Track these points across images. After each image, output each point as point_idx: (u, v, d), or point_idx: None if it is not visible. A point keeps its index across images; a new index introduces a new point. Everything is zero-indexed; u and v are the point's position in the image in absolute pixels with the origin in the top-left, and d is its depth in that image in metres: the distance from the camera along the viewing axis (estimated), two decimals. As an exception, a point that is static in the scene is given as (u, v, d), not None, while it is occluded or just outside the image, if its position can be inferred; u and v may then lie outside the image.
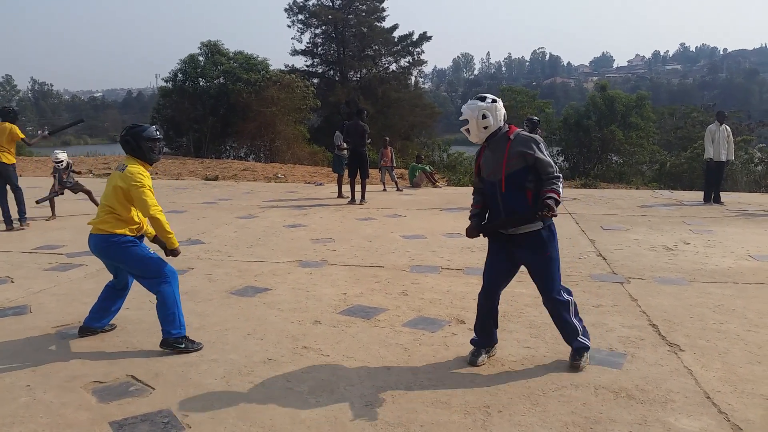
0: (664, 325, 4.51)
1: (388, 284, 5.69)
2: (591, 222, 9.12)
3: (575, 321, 3.78)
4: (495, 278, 3.83)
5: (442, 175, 17.00)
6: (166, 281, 4.02)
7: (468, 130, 3.69)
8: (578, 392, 3.41)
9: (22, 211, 8.73)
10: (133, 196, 3.92)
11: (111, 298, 4.28)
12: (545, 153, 3.64)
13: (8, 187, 8.70)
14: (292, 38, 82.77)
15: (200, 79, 30.66)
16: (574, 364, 3.73)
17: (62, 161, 9.84)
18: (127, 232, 4.00)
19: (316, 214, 10.14)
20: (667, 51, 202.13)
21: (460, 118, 3.72)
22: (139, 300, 5.08)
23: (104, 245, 4.00)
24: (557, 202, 3.49)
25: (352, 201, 11.32)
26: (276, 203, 11.44)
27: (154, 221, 3.95)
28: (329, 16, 40.95)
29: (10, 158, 8.60)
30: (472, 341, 3.98)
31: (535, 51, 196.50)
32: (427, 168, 14.96)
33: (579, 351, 3.78)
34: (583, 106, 35.81)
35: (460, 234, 4.56)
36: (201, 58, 30.88)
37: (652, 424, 3.06)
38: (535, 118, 11.86)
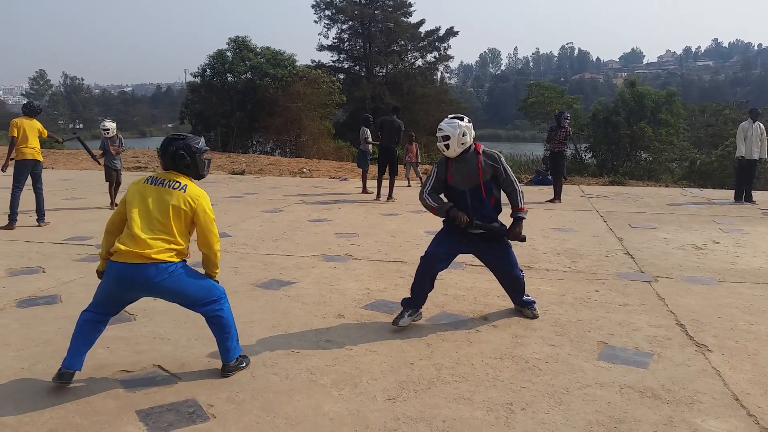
0: (692, 325, 4.44)
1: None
2: (619, 220, 9.00)
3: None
4: (445, 249, 4.41)
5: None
6: (223, 299, 3.57)
7: (447, 146, 4.31)
8: (603, 391, 3.38)
9: (41, 210, 8.47)
10: (203, 225, 3.41)
11: (97, 331, 3.51)
12: (507, 166, 4.42)
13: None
14: (318, 34, 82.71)
15: (228, 74, 30.99)
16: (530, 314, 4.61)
17: (108, 129, 9.89)
18: (177, 258, 3.42)
19: (341, 209, 10.17)
20: (699, 47, 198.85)
21: (440, 135, 4.35)
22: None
23: (162, 278, 3.30)
24: (523, 219, 4.43)
25: (378, 197, 11.32)
26: (301, 198, 11.50)
27: (214, 256, 3.54)
28: (356, 12, 41.02)
29: (40, 155, 8.50)
30: (402, 301, 4.45)
31: (563, 46, 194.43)
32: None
33: (529, 304, 4.65)
34: (612, 102, 35.21)
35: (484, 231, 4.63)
36: (229, 54, 31.21)
37: (678, 425, 3.01)
38: (565, 113, 11.76)
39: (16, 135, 8.21)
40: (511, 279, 4.59)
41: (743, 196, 11.05)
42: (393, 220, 9.03)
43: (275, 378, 3.55)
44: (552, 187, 11.62)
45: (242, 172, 16.69)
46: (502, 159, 4.42)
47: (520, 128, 77.89)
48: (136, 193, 3.40)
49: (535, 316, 4.58)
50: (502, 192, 4.49)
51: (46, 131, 8.65)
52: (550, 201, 10.89)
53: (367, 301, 5.02)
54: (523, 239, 4.44)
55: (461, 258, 6.50)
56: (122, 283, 3.31)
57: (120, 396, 3.32)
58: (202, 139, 3.61)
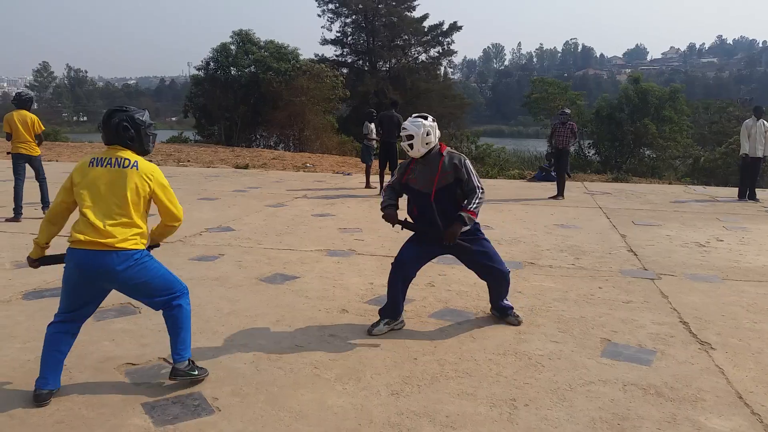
0: (696, 323, 4.44)
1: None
2: (622, 217, 8.99)
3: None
4: (415, 253, 4.29)
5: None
6: (183, 294, 3.38)
7: (411, 145, 4.14)
8: (606, 388, 3.39)
9: (45, 200, 8.52)
10: (165, 201, 3.25)
11: (67, 343, 3.28)
12: (471, 169, 4.20)
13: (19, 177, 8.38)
14: (322, 27, 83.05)
15: (232, 68, 30.92)
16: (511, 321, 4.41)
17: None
18: (141, 245, 3.23)
19: (344, 203, 10.18)
20: (703, 44, 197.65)
21: (404, 134, 4.19)
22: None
23: (126, 266, 3.12)
24: (464, 220, 4.08)
25: (381, 192, 11.31)
26: (305, 192, 11.51)
27: (174, 229, 3.38)
28: (359, 6, 40.90)
29: (36, 149, 8.35)
30: (381, 311, 4.30)
31: (567, 42, 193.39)
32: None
33: (508, 309, 4.44)
34: (616, 98, 35.15)
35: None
36: (233, 47, 31.14)
37: (682, 423, 3.02)
38: (567, 110, 11.75)
39: (9, 131, 8.20)
40: (494, 273, 4.32)
41: (747, 193, 11.04)
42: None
43: (279, 372, 3.57)
44: (555, 183, 11.61)
45: (246, 166, 16.70)
46: (467, 161, 4.18)
47: (524, 124, 77.84)
48: (83, 178, 3.16)
49: (519, 323, 4.36)
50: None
51: (39, 126, 8.34)
52: (553, 197, 10.88)
53: (370, 296, 5.03)
54: (454, 243, 4.11)
55: (465, 254, 6.53)
56: (84, 271, 3.13)
57: (126, 389, 3.34)
58: (147, 113, 3.36)
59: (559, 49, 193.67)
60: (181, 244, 6.83)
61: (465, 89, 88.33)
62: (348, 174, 15.41)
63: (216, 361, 3.70)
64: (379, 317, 4.29)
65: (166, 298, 3.29)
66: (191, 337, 3.41)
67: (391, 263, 4.33)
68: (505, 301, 4.46)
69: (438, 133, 4.21)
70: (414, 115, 4.30)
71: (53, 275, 5.52)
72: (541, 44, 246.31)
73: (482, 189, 4.19)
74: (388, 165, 11.29)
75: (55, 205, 3.30)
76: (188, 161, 17.93)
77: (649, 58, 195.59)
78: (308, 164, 18.03)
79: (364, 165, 12.69)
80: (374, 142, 11.97)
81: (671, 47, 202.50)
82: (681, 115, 31.95)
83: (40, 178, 8.52)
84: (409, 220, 4.36)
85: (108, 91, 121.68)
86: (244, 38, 31.35)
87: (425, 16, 42.68)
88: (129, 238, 3.13)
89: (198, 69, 32.33)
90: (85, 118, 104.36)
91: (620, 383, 3.45)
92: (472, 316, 4.56)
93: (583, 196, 11.30)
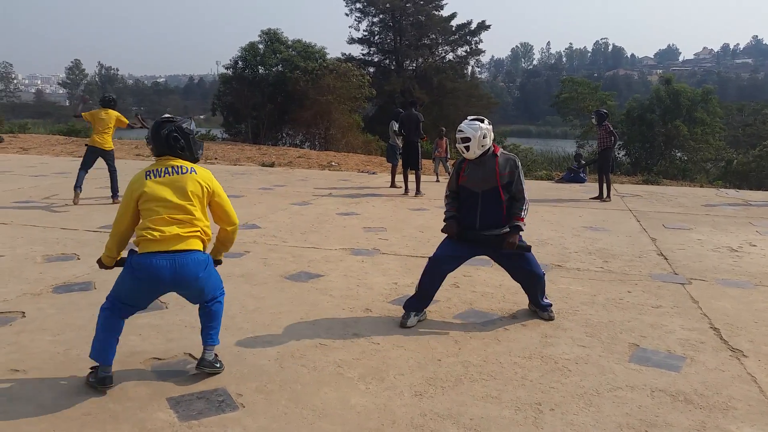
0: (727, 329, 4.34)
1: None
2: (653, 220, 8.84)
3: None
4: (452, 252, 4.40)
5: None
6: (223, 292, 3.55)
7: (467, 148, 4.26)
8: (634, 394, 3.32)
9: (115, 188, 9.55)
10: (223, 204, 3.42)
11: (121, 327, 3.39)
12: (522, 174, 4.34)
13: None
14: (349, 27, 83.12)
15: (259, 66, 31.21)
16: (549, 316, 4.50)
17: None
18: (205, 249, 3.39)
19: (369, 202, 10.18)
20: (738, 44, 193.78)
21: (461, 136, 4.30)
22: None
23: (203, 271, 3.25)
24: (520, 229, 4.29)
25: (406, 192, 11.29)
26: (330, 191, 11.55)
27: (234, 233, 3.54)
28: (387, 5, 40.92)
29: (111, 144, 9.46)
30: (405, 303, 4.41)
31: (597, 41, 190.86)
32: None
33: (547, 306, 4.53)
34: (647, 99, 34.59)
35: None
36: (261, 46, 31.42)
37: (711, 431, 2.95)
38: (603, 110, 11.68)
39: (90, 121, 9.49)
40: (530, 277, 4.44)
41: (782, 198, 10.76)
42: (421, 215, 9.01)
43: (303, 370, 3.57)
44: (582, 185, 11.49)
45: (272, 164, 16.82)
46: (520, 165, 4.36)
47: (552, 124, 76.97)
48: (147, 192, 3.18)
49: (551, 318, 4.47)
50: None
51: (126, 120, 9.59)
52: (597, 198, 10.80)
53: (394, 296, 5.02)
54: (517, 248, 4.29)
55: (490, 255, 6.48)
56: (161, 276, 3.13)
57: (152, 383, 3.37)
58: (192, 121, 3.47)
59: (589, 48, 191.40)
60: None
61: (492, 89, 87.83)
62: (373, 173, 15.41)
63: (240, 357, 3.72)
64: (405, 310, 4.39)
65: (213, 295, 3.43)
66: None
67: (429, 258, 4.46)
68: (545, 300, 4.56)
69: (492, 135, 4.33)
70: (470, 117, 4.40)
71: (83, 269, 5.62)
72: (570, 44, 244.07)
73: (526, 193, 4.39)
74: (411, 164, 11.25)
75: (122, 219, 3.27)
76: (215, 159, 18.13)
77: (681, 58, 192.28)
78: (333, 163, 18.09)
79: (390, 164, 12.68)
80: (399, 141, 11.95)
81: (704, 48, 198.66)
82: (714, 117, 31.32)
83: (112, 169, 9.61)
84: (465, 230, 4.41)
85: (138, 89, 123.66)
86: (272, 37, 31.61)
87: (453, 15, 42.56)
88: (199, 242, 3.27)
89: (226, 68, 32.72)
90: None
91: (648, 389, 3.38)
92: (497, 318, 4.52)
93: (613, 198, 11.13)
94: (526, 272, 4.43)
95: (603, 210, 9.72)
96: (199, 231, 3.25)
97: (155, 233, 3.12)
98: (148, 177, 3.21)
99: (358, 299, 4.92)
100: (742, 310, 4.77)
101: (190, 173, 3.28)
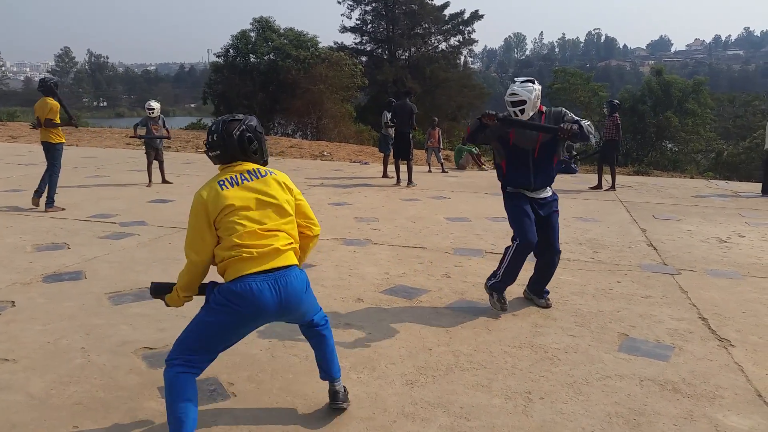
0: (715, 319, 4.38)
1: (430, 266, 5.69)
2: (643, 211, 8.89)
3: None
4: (535, 233, 4.26)
5: (488, 158, 16.82)
6: (326, 317, 3.02)
7: (522, 110, 4.11)
8: (623, 383, 3.36)
9: (49, 192, 7.83)
10: (304, 208, 2.87)
11: (195, 387, 2.64)
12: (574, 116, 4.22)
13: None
14: (341, 15, 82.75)
15: (251, 55, 31.06)
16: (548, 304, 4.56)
17: (153, 109, 10.14)
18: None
19: (361, 193, 10.18)
20: (729, 35, 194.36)
21: (515, 99, 4.11)
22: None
23: (305, 285, 2.74)
24: (580, 128, 4.06)
25: (398, 182, 11.29)
26: (321, 181, 11.53)
27: (316, 239, 2.98)
28: (380, -7, 40.67)
29: (55, 137, 7.85)
30: (494, 287, 4.36)
31: (590, 32, 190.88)
32: (473, 150, 14.76)
33: (544, 293, 4.59)
34: (639, 90, 34.71)
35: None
36: (252, 35, 31.24)
37: (699, 420, 2.99)
38: (616, 101, 12.04)
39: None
40: (551, 250, 4.42)
41: (771, 189, 10.84)
42: (413, 205, 9.02)
43: (295, 359, 3.58)
44: (574, 176, 11.60)
45: (264, 154, 16.71)
46: (568, 113, 4.23)
47: (544, 115, 76.80)
48: (228, 203, 2.60)
49: (549, 305, 4.54)
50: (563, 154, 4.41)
51: (53, 114, 7.76)
52: (596, 188, 11.13)
53: (386, 286, 5.03)
54: (571, 131, 4.02)
55: (481, 245, 6.50)
56: (265, 302, 2.55)
57: (143, 372, 3.37)
58: (255, 117, 2.89)
59: (582, 39, 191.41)
60: (198, 230, 6.88)
61: (485, 79, 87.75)
62: (365, 163, 15.39)
63: (232, 347, 3.71)
64: (493, 294, 4.38)
65: (316, 312, 2.92)
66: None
67: (518, 244, 4.25)
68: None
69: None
70: (521, 79, 4.22)
71: (73, 259, 5.59)
72: (563, 34, 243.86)
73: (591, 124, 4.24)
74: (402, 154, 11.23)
75: (206, 259, 2.66)
76: (207, 148, 18.00)
77: (673, 49, 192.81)
78: (325, 153, 18.03)
79: (382, 154, 12.66)
80: (392, 131, 11.92)
81: (696, 39, 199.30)
82: (704, 108, 31.49)
83: (48, 168, 7.89)
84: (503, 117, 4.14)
85: (128, 77, 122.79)
86: (264, 25, 31.42)
87: (446, 5, 42.34)
88: (295, 256, 2.75)
89: (218, 56, 32.56)
90: (105, 104, 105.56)
91: (637, 378, 3.42)
92: (488, 308, 4.54)
93: (604, 189, 11.17)
94: (551, 242, 4.40)
95: (594, 201, 9.77)
96: (294, 243, 2.75)
97: (251, 250, 2.56)
98: (223, 187, 2.63)
99: (349, 289, 4.93)
100: (730, 301, 4.82)
101: (270, 176, 2.75)
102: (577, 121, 4.10)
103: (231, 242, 2.58)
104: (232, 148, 2.70)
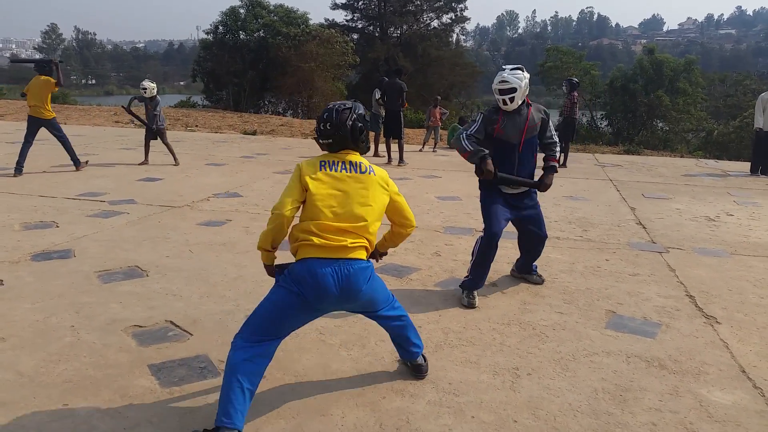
0: (702, 297, 4.43)
1: (421, 244, 5.70)
2: (632, 189, 8.93)
3: None
4: (501, 226, 4.22)
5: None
6: (399, 310, 3.06)
7: (512, 99, 4.06)
8: (609, 359, 3.40)
9: (74, 157, 9.22)
10: (400, 206, 2.92)
11: (261, 372, 2.67)
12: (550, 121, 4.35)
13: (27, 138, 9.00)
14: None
15: (241, 32, 30.69)
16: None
17: (146, 89, 9.91)
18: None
19: (352, 171, 10.12)
20: (722, 14, 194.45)
21: (505, 87, 4.06)
22: (178, 248, 5.22)
23: (367, 276, 2.73)
24: (555, 170, 4.39)
25: (389, 161, 11.25)
26: (312, 159, 11.45)
27: (410, 233, 3.06)
28: (371, -31, 40.19)
29: (47, 113, 8.91)
30: (465, 284, 4.25)
31: (582, 10, 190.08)
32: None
33: (533, 270, 4.67)
34: (631, 69, 34.64)
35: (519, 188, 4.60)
36: (242, 11, 30.84)
37: (684, 395, 3.03)
38: (575, 79, 11.83)
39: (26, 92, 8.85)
40: (539, 240, 4.45)
41: (759, 168, 10.90)
42: (404, 184, 9.01)
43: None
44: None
45: (254, 133, 16.63)
46: (550, 124, 4.36)
47: (536, 93, 76.54)
48: (322, 185, 2.68)
49: (542, 281, 4.62)
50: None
51: (53, 80, 8.86)
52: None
53: (376, 264, 5.02)
54: (550, 185, 4.37)
55: (471, 224, 6.52)
56: (324, 289, 2.60)
57: (132, 350, 3.38)
58: (360, 105, 2.88)
59: (575, 17, 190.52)
60: (188, 209, 6.85)
61: (477, 57, 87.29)
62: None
63: (222, 324, 3.73)
64: (463, 291, 4.24)
65: (383, 306, 2.95)
66: (200, 300, 3.43)
67: (483, 237, 4.22)
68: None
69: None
70: (510, 67, 4.15)
71: (62, 237, 5.56)
72: (556, 12, 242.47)
73: (557, 140, 4.42)
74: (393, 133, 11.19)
75: (287, 206, 2.70)
76: (196, 126, 17.88)
77: (665, 28, 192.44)
78: (317, 131, 17.91)
79: (372, 133, 12.60)
80: (383, 109, 11.86)
81: (688, 18, 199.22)
82: (695, 88, 31.53)
83: (59, 137, 9.08)
84: (501, 173, 4.22)
85: (116, 54, 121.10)
86: (253, 2, 30.99)
87: (438, -18, 41.91)
88: (364, 253, 2.77)
89: (207, 33, 32.12)
90: (94, 81, 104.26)
91: (624, 355, 3.46)
92: (477, 286, 4.56)
93: (594, 168, 11.21)
94: (536, 235, 4.42)
95: (584, 180, 9.79)
96: (366, 242, 2.75)
97: (323, 240, 2.63)
98: (323, 167, 2.71)
99: (340, 267, 4.93)
100: (717, 279, 4.87)
101: (371, 174, 2.77)
102: (553, 140, 4.36)
103: (308, 226, 2.66)
104: (344, 137, 2.75)
